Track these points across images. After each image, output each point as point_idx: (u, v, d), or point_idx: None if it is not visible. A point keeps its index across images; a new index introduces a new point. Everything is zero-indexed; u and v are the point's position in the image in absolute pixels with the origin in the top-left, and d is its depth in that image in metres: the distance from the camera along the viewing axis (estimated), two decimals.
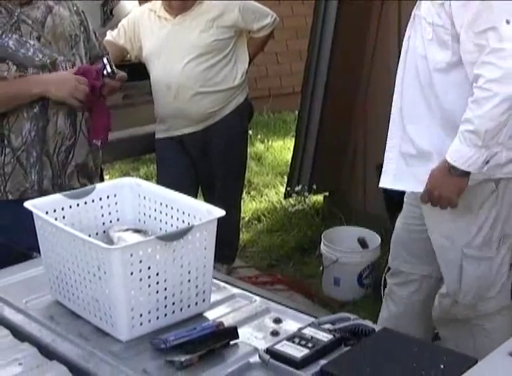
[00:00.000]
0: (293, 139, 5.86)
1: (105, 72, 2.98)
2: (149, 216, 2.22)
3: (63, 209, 2.12)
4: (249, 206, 5.98)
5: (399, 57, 4.45)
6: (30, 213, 2.06)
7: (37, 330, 1.94)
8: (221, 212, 1.96)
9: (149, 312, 1.89)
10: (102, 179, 3.97)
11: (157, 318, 1.91)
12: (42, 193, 2.77)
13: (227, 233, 3.88)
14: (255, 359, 1.76)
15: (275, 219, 5.74)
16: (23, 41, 2.84)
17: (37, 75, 2.87)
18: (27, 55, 2.84)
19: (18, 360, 1.78)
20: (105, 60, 3.00)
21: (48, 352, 1.83)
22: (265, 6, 4.47)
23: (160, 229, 2.17)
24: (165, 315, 1.92)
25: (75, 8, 3.09)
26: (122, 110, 4.84)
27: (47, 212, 2.06)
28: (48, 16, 2.93)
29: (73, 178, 3.00)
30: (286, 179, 5.97)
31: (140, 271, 1.83)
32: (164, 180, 4.17)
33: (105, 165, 5.19)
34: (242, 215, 5.18)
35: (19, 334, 1.93)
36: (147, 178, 6.03)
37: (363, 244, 4.65)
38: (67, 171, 2.97)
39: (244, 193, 5.55)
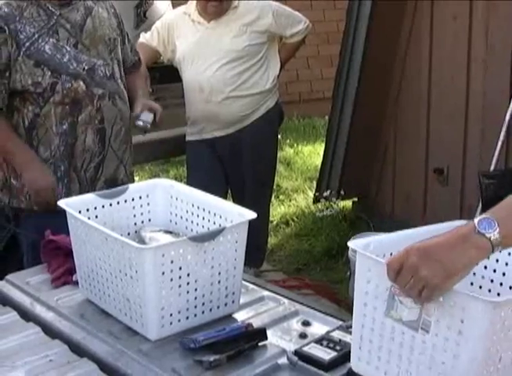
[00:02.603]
0: (323, 145, 5.85)
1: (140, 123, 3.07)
2: (181, 217, 2.24)
3: (95, 208, 2.15)
4: (277, 210, 5.98)
5: (431, 59, 4.57)
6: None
7: (67, 328, 1.97)
8: (252, 215, 1.98)
9: (179, 312, 1.90)
10: (132, 180, 3.98)
11: (187, 318, 1.93)
12: None
13: (255, 236, 3.88)
14: (283, 360, 1.77)
15: (303, 224, 5.74)
16: (59, 45, 2.81)
17: (30, 154, 2.86)
18: (62, 61, 2.82)
19: (49, 357, 1.82)
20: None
21: (78, 350, 1.86)
22: (296, 11, 4.49)
23: (192, 230, 2.19)
24: (195, 315, 1.94)
25: (113, 10, 3.06)
26: None
27: (80, 211, 2.08)
28: (87, 19, 2.90)
29: None
30: (315, 184, 5.98)
31: (171, 271, 1.85)
32: (193, 182, 4.15)
33: (135, 167, 5.21)
34: (270, 218, 5.19)
35: (50, 331, 1.96)
36: (176, 180, 6.01)
37: None
38: (97, 187, 2.93)
39: (273, 197, 5.56)
